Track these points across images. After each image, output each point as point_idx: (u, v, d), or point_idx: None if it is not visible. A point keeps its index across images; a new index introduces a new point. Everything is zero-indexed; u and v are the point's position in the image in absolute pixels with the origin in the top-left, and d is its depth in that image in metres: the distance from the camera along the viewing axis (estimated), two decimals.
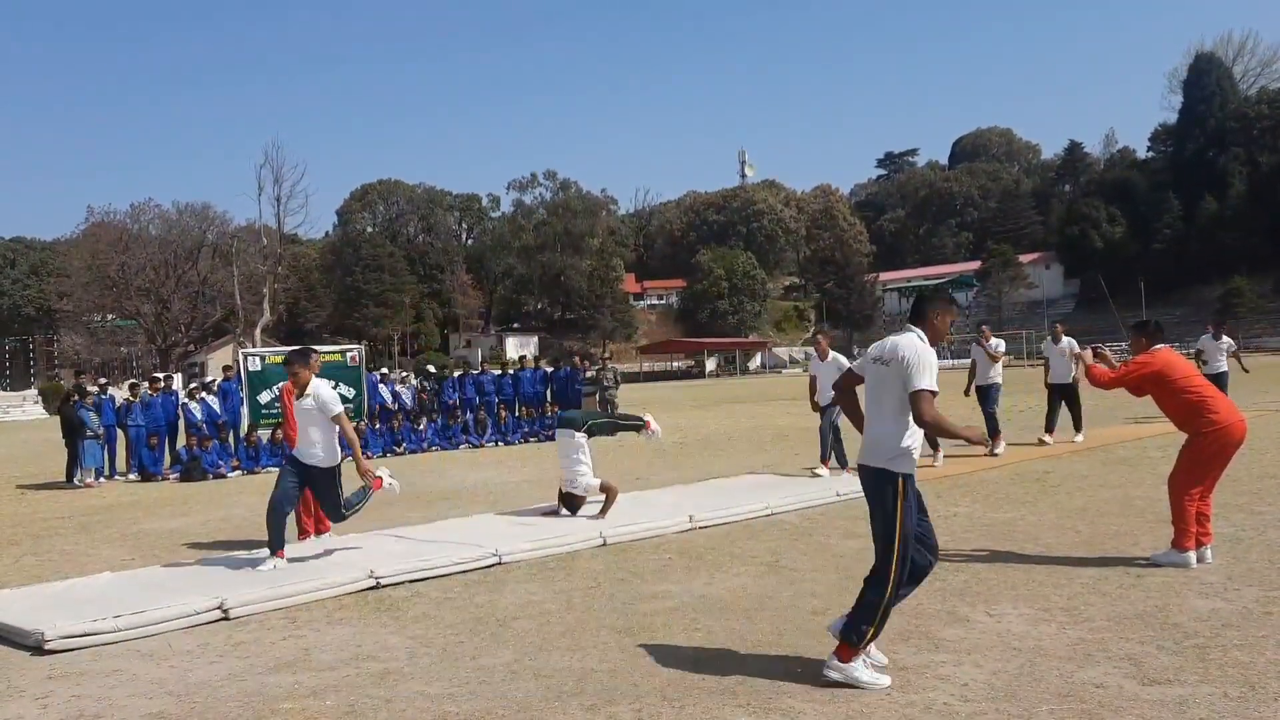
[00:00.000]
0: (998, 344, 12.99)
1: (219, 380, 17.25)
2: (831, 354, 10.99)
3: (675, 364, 77.47)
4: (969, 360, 13.46)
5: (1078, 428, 13.16)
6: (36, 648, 5.22)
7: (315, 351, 8.25)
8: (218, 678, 4.67)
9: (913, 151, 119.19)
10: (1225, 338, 15.50)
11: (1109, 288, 71.85)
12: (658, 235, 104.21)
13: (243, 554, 7.51)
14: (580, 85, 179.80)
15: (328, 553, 7.33)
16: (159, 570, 7.14)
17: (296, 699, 4.32)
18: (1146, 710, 3.75)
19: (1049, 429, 13.13)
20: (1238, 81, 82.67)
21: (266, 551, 7.03)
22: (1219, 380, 14.26)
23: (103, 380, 20.38)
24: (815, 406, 11.10)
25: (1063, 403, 13.12)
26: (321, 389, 7.23)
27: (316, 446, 7.15)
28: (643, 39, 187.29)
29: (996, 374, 12.79)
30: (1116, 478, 9.96)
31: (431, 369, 23.78)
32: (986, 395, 12.66)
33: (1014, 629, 4.88)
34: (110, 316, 72.19)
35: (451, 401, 18.75)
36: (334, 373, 12.46)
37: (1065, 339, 13.29)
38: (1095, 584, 5.69)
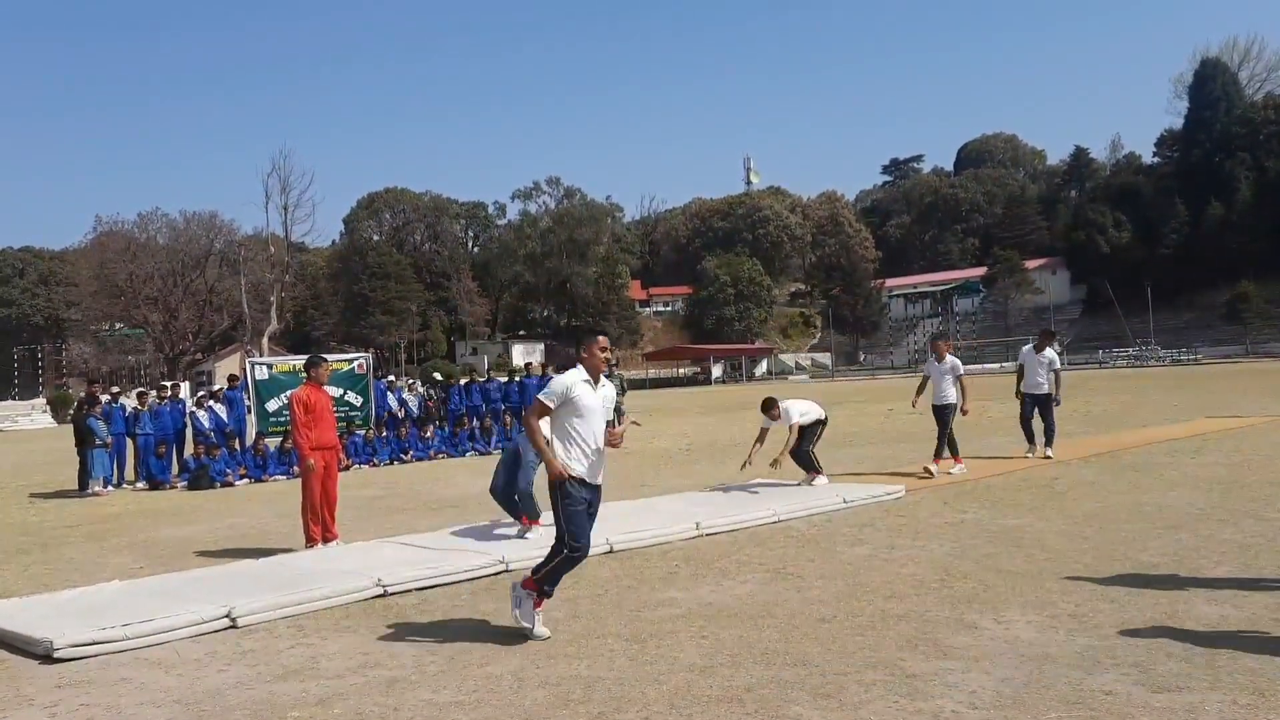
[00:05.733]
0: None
1: (225, 388, 17.31)
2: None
3: (681, 370, 77.53)
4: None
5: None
6: (45, 656, 5.23)
7: (325, 360, 8.28)
8: (226, 686, 4.68)
9: (918, 158, 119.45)
10: (1049, 350, 12.24)
11: (1115, 293, 71.77)
12: (663, 242, 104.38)
13: (251, 562, 7.53)
14: (586, 93, 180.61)
15: (335, 561, 7.34)
16: (167, 578, 7.16)
17: (304, 707, 4.32)
18: (1156, 717, 3.73)
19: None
20: (1244, 87, 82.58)
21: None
22: (1036, 403, 12.20)
23: (115, 389, 20.47)
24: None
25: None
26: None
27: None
28: (648, 46, 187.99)
29: (814, 410, 10.67)
30: (1125, 484, 9.93)
31: (438, 376, 23.81)
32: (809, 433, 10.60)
33: (1022, 636, 4.86)
34: (118, 325, 72.66)
35: (458, 409, 18.78)
36: (342, 380, 12.49)
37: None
38: (1104, 590, 5.67)
